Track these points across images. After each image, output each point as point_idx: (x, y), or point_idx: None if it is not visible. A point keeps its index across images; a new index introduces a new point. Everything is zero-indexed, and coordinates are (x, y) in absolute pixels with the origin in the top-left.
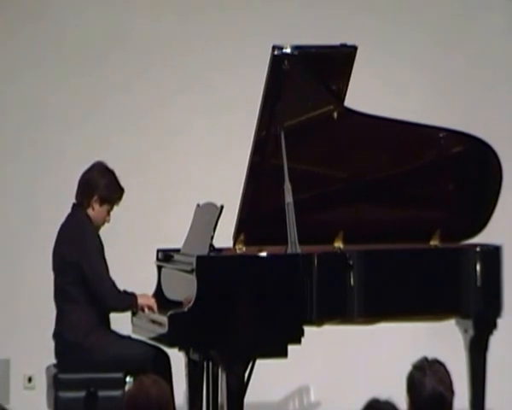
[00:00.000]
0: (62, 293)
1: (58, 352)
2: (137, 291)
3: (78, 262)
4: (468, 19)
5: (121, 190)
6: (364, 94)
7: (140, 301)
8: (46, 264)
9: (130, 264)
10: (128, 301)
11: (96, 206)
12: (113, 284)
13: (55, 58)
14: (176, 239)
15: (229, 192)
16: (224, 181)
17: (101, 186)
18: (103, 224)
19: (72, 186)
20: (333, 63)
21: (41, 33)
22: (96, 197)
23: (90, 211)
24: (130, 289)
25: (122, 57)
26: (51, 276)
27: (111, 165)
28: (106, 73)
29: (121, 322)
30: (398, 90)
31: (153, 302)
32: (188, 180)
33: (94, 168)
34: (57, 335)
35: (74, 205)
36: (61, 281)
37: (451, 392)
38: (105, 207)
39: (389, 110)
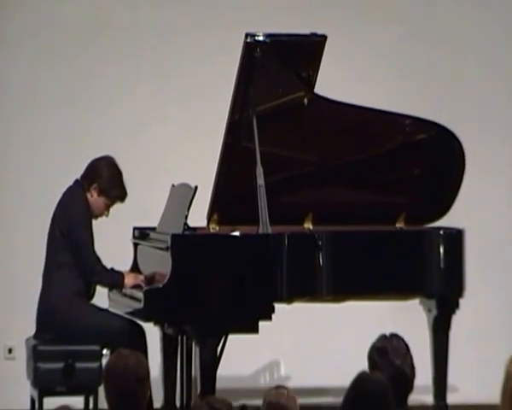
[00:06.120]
0: (52, 259)
1: (40, 316)
2: (115, 266)
3: (69, 231)
4: (432, 6)
5: (124, 192)
6: (333, 81)
7: (127, 281)
8: (28, 240)
9: (108, 241)
10: (112, 279)
11: (94, 194)
12: (98, 259)
13: (29, 46)
14: (152, 218)
15: (204, 173)
16: (199, 163)
17: (103, 177)
18: (99, 215)
19: (57, 176)
20: (303, 51)
21: (16, 23)
22: (95, 185)
23: (88, 195)
24: (108, 265)
25: (98, 45)
26: (33, 251)
27: (92, 146)
28: (82, 62)
29: (98, 296)
30: (365, 78)
31: (140, 279)
32: (163, 161)
33: (104, 159)
34: (42, 299)
35: (76, 181)
36: (53, 247)
37: (412, 368)
38: (102, 199)
39: (357, 97)
